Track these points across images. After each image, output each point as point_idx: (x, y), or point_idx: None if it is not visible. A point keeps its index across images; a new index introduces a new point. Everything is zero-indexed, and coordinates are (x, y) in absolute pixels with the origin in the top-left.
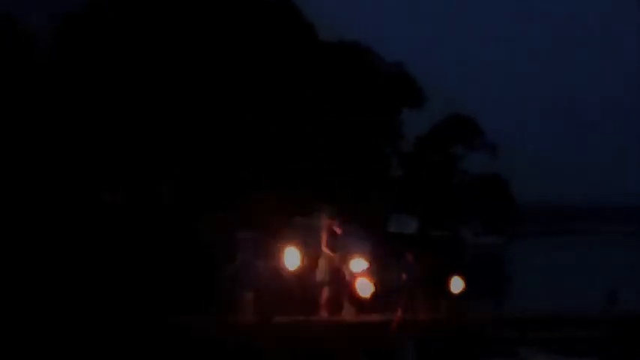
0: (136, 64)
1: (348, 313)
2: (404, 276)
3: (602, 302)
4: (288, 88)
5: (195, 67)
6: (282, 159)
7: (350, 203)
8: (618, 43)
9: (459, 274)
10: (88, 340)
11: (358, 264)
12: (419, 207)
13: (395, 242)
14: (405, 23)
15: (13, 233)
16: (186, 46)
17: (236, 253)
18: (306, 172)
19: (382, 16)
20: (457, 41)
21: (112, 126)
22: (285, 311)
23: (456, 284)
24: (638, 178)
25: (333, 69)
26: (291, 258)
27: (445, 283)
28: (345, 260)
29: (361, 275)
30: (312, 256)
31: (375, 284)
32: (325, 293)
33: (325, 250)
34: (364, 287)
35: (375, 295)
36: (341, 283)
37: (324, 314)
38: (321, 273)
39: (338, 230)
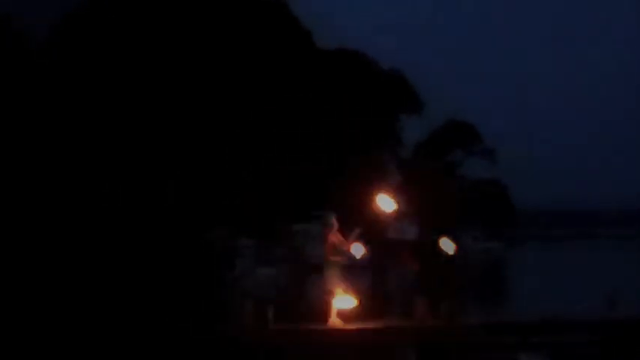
0: (134, 67)
1: (334, 324)
2: (403, 281)
3: (602, 306)
4: (285, 95)
5: (194, 75)
6: (281, 165)
7: (349, 210)
8: (617, 45)
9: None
10: (84, 343)
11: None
12: (418, 213)
13: (395, 248)
14: (402, 25)
15: (13, 236)
16: (184, 54)
17: (236, 260)
18: (304, 179)
19: (380, 19)
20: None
21: (110, 128)
22: (284, 319)
23: (447, 245)
24: (636, 182)
25: (331, 75)
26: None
27: (436, 246)
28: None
29: (341, 287)
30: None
31: (359, 297)
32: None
33: (331, 258)
34: (345, 301)
35: (360, 306)
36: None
37: (337, 322)
38: (331, 280)
39: (337, 237)
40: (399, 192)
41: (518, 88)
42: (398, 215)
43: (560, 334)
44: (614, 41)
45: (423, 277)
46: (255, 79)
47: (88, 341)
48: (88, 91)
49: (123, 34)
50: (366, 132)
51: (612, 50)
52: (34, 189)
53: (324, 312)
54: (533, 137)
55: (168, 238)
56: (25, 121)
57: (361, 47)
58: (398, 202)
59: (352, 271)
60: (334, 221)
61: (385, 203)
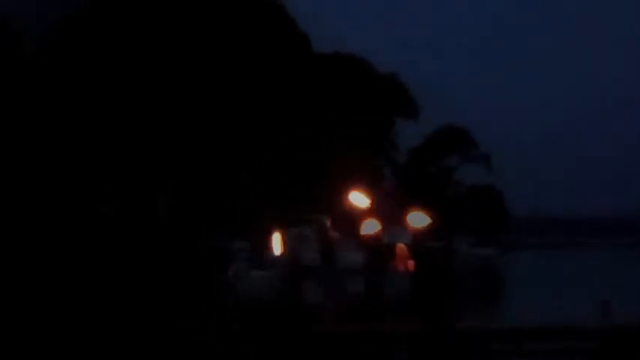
0: (133, 68)
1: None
2: (398, 285)
3: (596, 313)
4: (281, 99)
5: (192, 76)
6: (276, 169)
7: (343, 214)
8: (615, 54)
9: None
10: (81, 345)
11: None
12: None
13: (389, 253)
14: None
15: (12, 237)
16: (183, 55)
17: (230, 263)
18: (299, 183)
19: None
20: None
21: (110, 129)
22: (277, 322)
23: (417, 219)
24: (628, 191)
25: (327, 80)
26: None
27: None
28: None
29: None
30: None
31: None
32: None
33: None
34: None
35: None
36: None
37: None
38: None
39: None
40: (393, 197)
41: (516, 97)
42: (393, 220)
43: (553, 340)
44: (612, 56)
45: (418, 281)
46: (251, 84)
47: (83, 342)
48: (88, 92)
49: (123, 34)
50: (362, 136)
51: (611, 64)
52: (34, 189)
53: (317, 313)
54: (528, 144)
55: (164, 241)
56: (25, 121)
57: (357, 51)
58: (393, 207)
59: (346, 275)
60: (328, 223)
61: (358, 200)
